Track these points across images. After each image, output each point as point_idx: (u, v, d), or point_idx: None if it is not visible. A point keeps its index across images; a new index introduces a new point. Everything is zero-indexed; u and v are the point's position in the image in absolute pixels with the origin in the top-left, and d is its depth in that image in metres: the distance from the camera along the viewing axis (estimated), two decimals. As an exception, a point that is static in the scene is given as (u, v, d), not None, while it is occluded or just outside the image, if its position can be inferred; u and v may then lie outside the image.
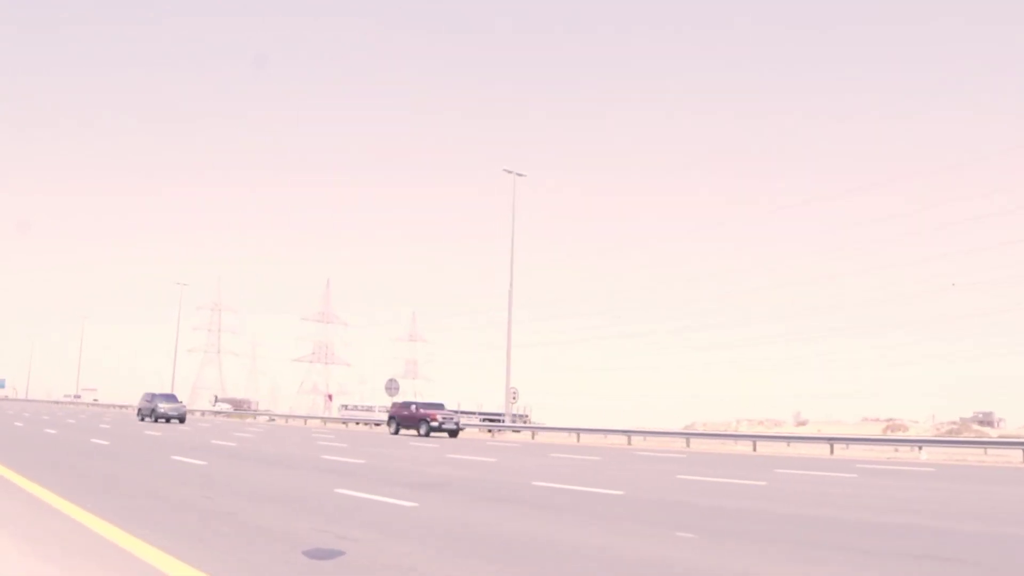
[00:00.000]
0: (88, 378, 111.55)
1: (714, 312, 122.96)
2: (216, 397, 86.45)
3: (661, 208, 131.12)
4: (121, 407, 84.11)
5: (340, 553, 5.88)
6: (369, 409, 57.57)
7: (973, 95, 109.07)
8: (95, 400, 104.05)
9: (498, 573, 5.47)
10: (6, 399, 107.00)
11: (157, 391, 49.09)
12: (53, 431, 26.28)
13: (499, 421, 43.68)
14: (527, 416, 51.43)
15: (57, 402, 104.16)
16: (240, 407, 78.26)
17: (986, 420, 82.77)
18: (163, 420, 42.32)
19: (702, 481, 13.99)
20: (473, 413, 50.70)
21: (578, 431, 35.60)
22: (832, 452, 27.02)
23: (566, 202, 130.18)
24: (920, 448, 26.11)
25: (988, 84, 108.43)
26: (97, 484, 10.81)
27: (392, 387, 42.60)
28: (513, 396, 43.11)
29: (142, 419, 44.26)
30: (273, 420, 59.22)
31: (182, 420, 43.11)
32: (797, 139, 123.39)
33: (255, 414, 66.60)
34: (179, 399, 48.25)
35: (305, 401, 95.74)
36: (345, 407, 64.31)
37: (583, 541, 6.91)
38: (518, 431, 41.05)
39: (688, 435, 34.76)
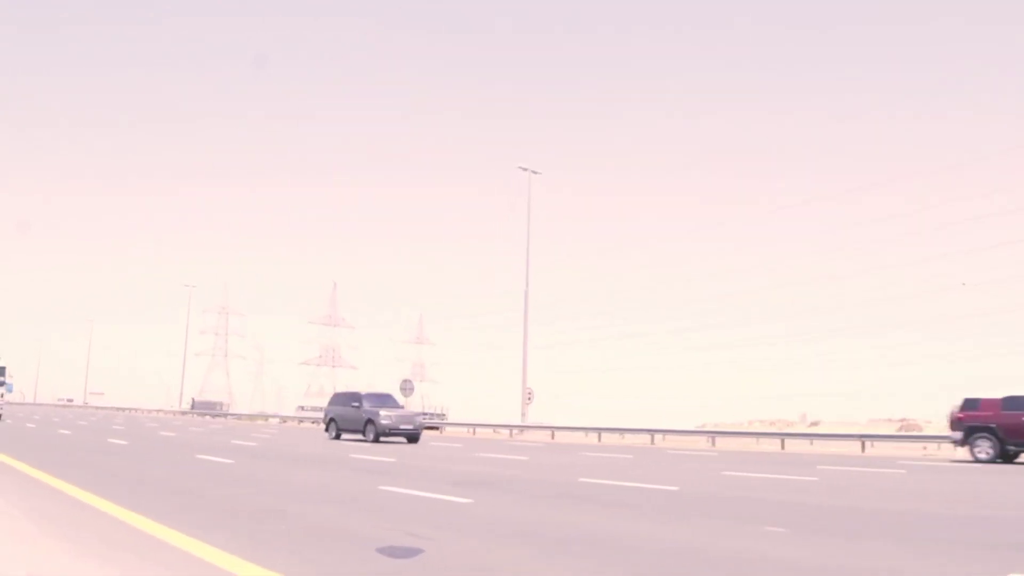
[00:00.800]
0: (89, 381, 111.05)
1: (714, 312, 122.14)
2: (193, 400, 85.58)
3: (661, 208, 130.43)
4: (107, 409, 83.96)
5: (419, 551, 5.34)
6: (320, 409, 64.17)
7: (973, 95, 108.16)
8: (86, 403, 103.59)
9: (598, 573, 4.92)
10: (9, 403, 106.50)
11: (368, 390, 29.02)
12: (67, 431, 25.76)
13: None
14: (444, 415, 54.31)
15: (61, 405, 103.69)
16: (212, 409, 78.71)
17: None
18: (375, 438, 24.73)
19: (751, 477, 13.42)
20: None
21: (599, 430, 35.03)
22: (863, 450, 26.42)
23: (565, 202, 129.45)
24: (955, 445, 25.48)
25: (988, 84, 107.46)
26: (131, 484, 10.26)
27: (407, 388, 42.06)
28: (529, 397, 42.55)
29: (337, 436, 26.70)
30: (285, 422, 58.75)
31: (415, 439, 25.45)
32: (797, 139, 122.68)
33: (266, 417, 66.01)
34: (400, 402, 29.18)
35: (311, 404, 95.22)
36: (302, 408, 70.45)
37: (670, 537, 6.36)
38: (441, 429, 44.80)
39: (714, 434, 34.14)
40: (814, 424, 75.04)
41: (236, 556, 5.06)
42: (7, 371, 36.98)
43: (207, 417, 68.66)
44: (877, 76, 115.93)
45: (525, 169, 42.36)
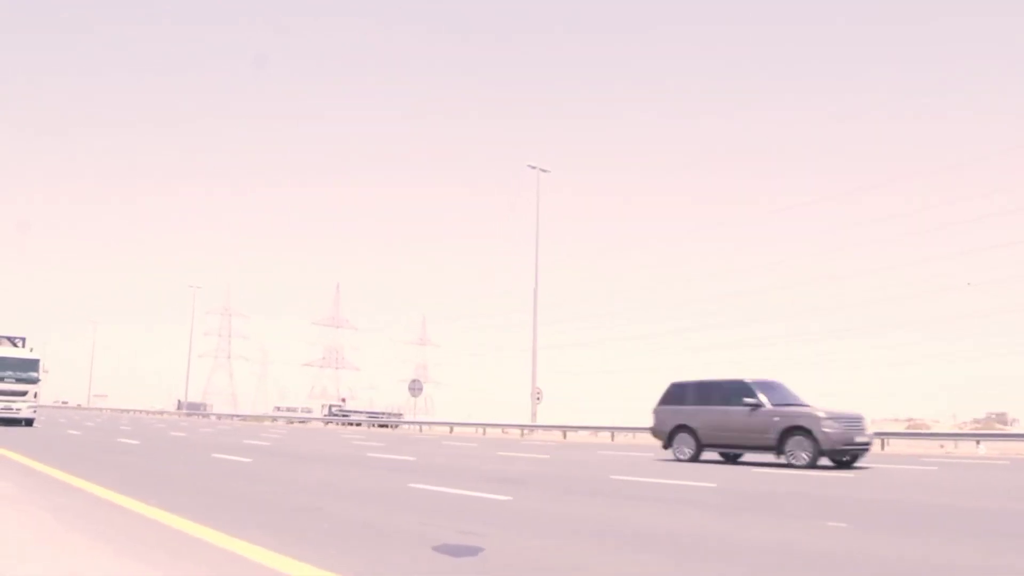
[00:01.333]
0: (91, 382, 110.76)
1: (714, 312, 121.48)
2: (179, 401, 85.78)
3: (661, 208, 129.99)
4: (109, 410, 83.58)
5: (479, 549, 5.00)
6: (292, 409, 72.60)
7: (973, 95, 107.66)
8: (78, 405, 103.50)
9: (674, 571, 4.59)
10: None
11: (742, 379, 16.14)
12: (76, 432, 25.45)
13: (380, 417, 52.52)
14: (401, 414, 56.68)
15: (58, 406, 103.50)
16: (196, 410, 79.93)
17: (1000, 420, 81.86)
18: (811, 461, 14.22)
19: (784, 474, 13.07)
20: (362, 412, 58.49)
21: (612, 429, 34.68)
22: (883, 448, 26.09)
23: (565, 203, 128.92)
24: (978, 443, 25.32)
25: (988, 84, 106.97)
26: (153, 482, 9.93)
27: (415, 387, 41.86)
28: (538, 396, 42.22)
29: (695, 456, 16.26)
30: (292, 423, 58.45)
31: (858, 457, 15.26)
32: (797, 139, 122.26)
33: (273, 418, 65.71)
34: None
35: (315, 406, 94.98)
36: (278, 408, 75.84)
37: (731, 533, 6.02)
38: (395, 426, 47.64)
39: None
40: (822, 423, 74.68)
41: (285, 555, 4.72)
42: (41, 364, 30.56)
43: (212, 418, 68.41)
44: (877, 76, 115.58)
45: (534, 167, 42.09)
